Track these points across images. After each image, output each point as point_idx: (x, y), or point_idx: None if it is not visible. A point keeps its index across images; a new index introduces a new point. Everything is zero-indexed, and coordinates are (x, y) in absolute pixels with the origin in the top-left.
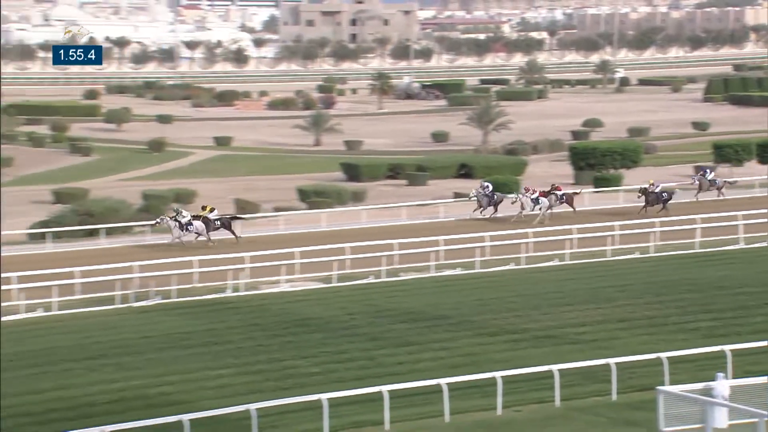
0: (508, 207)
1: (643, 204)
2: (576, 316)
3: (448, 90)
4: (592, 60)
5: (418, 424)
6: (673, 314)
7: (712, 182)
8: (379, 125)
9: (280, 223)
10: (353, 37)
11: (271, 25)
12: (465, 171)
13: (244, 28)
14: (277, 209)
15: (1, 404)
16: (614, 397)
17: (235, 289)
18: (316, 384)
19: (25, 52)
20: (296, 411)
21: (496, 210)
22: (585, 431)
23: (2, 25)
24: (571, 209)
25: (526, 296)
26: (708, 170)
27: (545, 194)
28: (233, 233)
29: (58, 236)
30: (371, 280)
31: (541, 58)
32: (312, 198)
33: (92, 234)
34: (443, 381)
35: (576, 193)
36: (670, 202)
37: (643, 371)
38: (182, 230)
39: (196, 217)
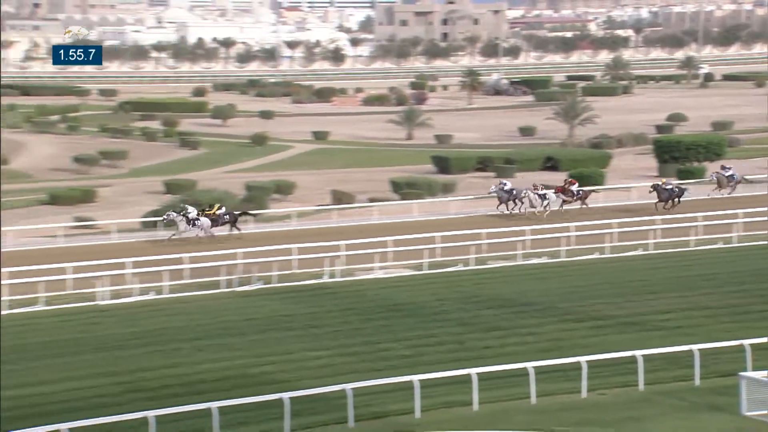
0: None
1: (661, 201)
2: (660, 304)
3: (535, 86)
4: (677, 56)
5: (505, 406)
6: (756, 302)
7: (731, 178)
8: (469, 120)
9: (374, 213)
10: (444, 36)
11: (366, 25)
12: (551, 164)
13: (341, 28)
14: (372, 200)
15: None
16: (697, 382)
17: (332, 275)
18: (408, 366)
19: (140, 53)
20: (389, 391)
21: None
22: (668, 415)
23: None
24: (584, 205)
25: (610, 284)
26: (728, 167)
27: (562, 190)
28: (237, 228)
29: (168, 224)
30: (460, 267)
31: (627, 54)
32: (404, 189)
33: None
34: (530, 365)
35: (593, 191)
36: (682, 198)
37: (726, 357)
38: (189, 225)
39: (204, 214)
